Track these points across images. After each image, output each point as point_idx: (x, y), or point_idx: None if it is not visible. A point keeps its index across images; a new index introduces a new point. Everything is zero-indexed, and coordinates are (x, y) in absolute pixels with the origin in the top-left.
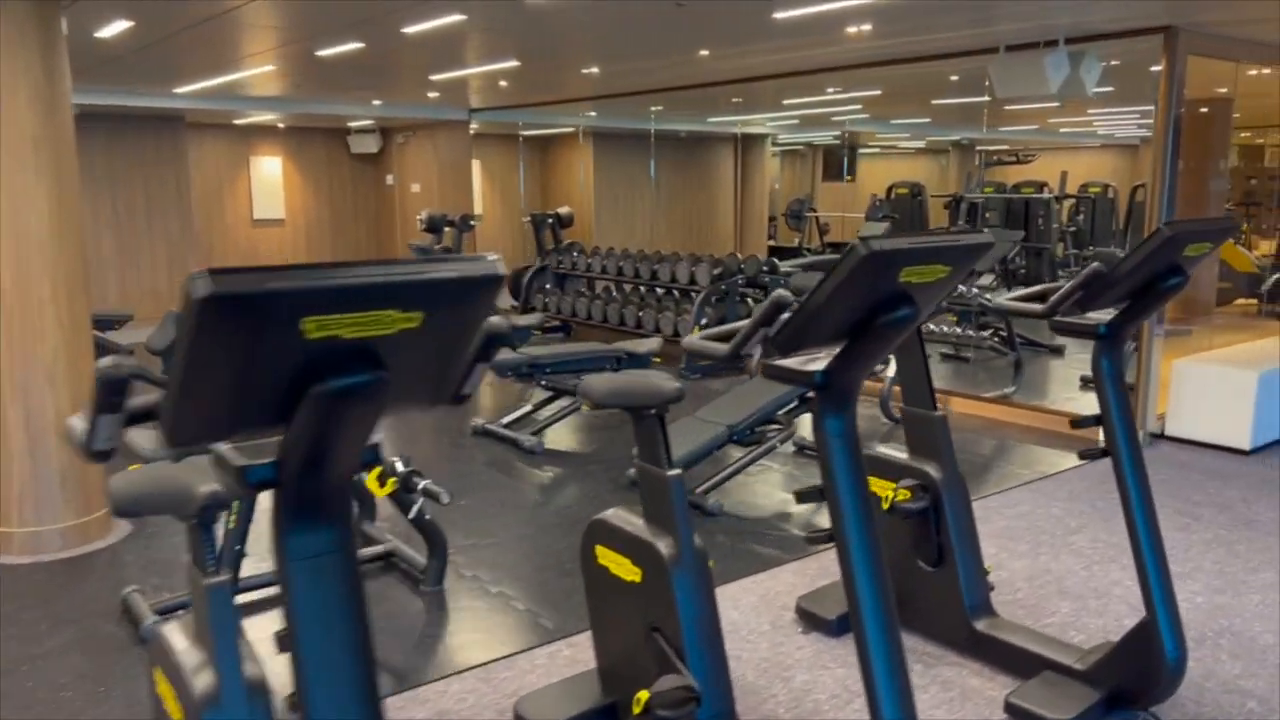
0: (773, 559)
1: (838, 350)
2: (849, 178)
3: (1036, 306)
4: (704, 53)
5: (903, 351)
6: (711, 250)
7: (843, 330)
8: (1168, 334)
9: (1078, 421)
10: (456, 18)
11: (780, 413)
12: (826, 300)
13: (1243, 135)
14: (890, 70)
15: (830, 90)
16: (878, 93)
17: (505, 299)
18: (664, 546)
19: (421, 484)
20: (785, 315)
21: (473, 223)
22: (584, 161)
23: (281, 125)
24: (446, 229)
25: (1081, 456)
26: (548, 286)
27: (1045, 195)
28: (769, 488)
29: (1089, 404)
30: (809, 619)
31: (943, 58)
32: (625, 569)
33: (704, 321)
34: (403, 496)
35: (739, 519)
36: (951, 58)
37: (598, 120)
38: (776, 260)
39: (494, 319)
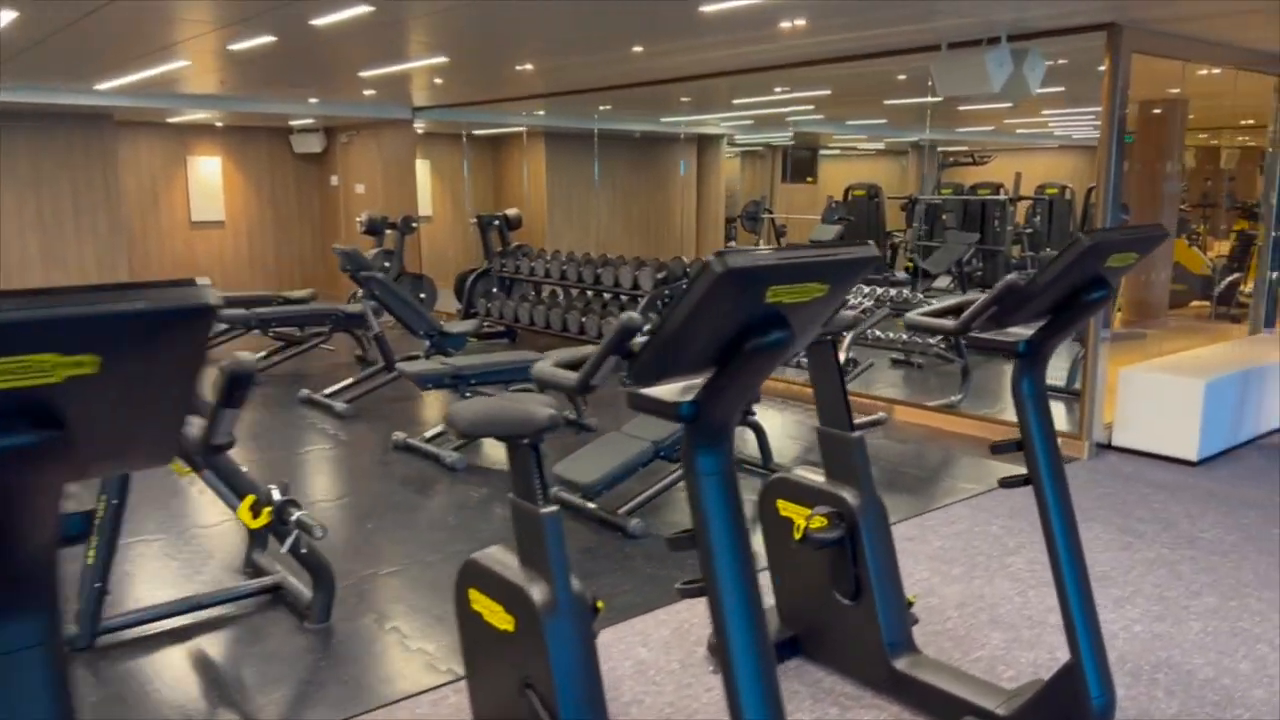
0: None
1: (707, 378)
2: (810, 179)
3: (948, 322)
4: (637, 49)
5: (816, 367)
6: (669, 252)
7: (709, 357)
8: (1115, 338)
9: (997, 446)
10: (363, 9)
11: None
12: (683, 324)
13: (1200, 137)
14: (835, 69)
15: (778, 90)
16: (827, 93)
17: (450, 303)
18: (537, 593)
19: (295, 515)
20: (639, 340)
21: (415, 225)
22: (536, 162)
23: (220, 124)
24: (387, 232)
25: (1002, 484)
26: (493, 290)
27: (1000, 197)
28: None
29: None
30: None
31: (884, 55)
32: (498, 616)
33: (647, 327)
34: (279, 528)
35: (663, 541)
36: (893, 55)
37: (548, 120)
38: None
39: (240, 356)
